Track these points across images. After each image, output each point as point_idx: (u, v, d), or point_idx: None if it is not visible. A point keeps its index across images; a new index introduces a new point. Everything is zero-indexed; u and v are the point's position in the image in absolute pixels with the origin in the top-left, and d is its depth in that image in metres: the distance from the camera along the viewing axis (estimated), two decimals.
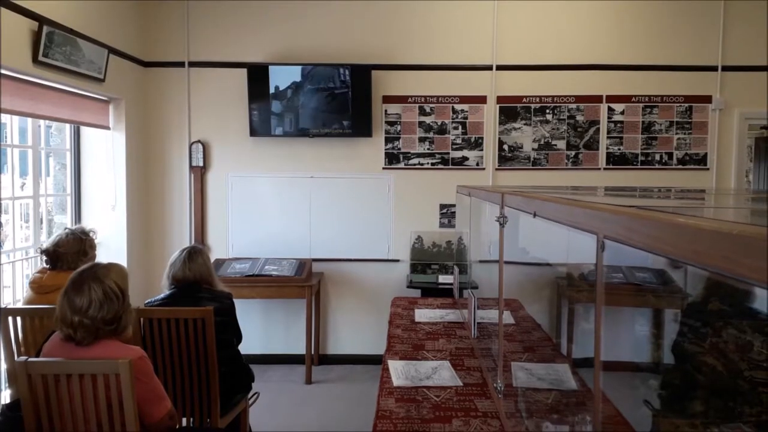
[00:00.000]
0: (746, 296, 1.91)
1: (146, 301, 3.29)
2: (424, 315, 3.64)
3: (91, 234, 3.46)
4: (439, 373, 2.59)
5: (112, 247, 4.86)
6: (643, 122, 5.23)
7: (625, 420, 1.95)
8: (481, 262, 3.53)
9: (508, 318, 3.41)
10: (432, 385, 2.44)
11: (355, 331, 5.44)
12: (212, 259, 5.05)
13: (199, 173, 5.31)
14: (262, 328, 5.41)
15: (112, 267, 2.46)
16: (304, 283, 4.90)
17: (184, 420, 3.15)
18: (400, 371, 2.60)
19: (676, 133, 5.23)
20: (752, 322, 1.77)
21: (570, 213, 1.24)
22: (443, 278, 5.12)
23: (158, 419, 2.41)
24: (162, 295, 3.28)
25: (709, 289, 2.09)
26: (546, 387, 2.34)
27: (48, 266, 3.32)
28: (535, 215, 1.51)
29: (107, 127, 4.89)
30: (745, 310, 1.93)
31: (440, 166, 5.30)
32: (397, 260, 5.38)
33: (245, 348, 3.62)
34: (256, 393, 3.94)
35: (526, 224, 2.36)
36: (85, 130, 4.91)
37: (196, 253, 3.34)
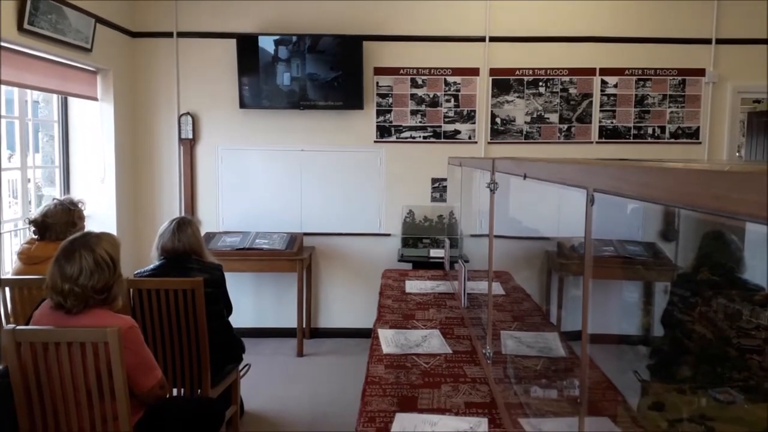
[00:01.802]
0: (736, 266, 1.91)
1: (135, 272, 3.27)
2: (414, 286, 3.64)
3: (79, 205, 3.44)
4: (429, 341, 2.60)
5: (101, 219, 4.82)
6: (636, 95, 5.21)
7: (614, 385, 1.96)
8: (472, 236, 3.53)
9: (498, 289, 3.43)
10: (421, 353, 2.44)
11: (347, 304, 5.45)
12: (203, 233, 5.02)
13: (189, 146, 5.26)
14: (254, 302, 5.41)
15: (103, 236, 2.45)
16: (295, 257, 4.89)
17: (174, 390, 3.15)
18: (389, 339, 2.60)
19: (669, 107, 5.21)
20: (741, 292, 1.77)
21: (560, 170, 1.23)
22: (435, 252, 5.12)
23: (149, 388, 2.42)
24: (151, 266, 3.27)
25: (699, 260, 2.09)
26: (535, 354, 2.35)
27: (36, 237, 3.29)
28: (525, 177, 1.50)
29: (95, 98, 4.83)
30: (735, 280, 1.93)
31: (432, 139, 5.27)
32: (389, 234, 5.37)
33: (237, 321, 3.62)
34: (247, 365, 3.96)
35: (516, 192, 2.35)
36: (72, 102, 4.85)
37: (185, 223, 3.32)
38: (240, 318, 4.21)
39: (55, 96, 4.71)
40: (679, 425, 1.70)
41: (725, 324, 1.76)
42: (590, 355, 2.13)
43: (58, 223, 3.25)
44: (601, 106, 5.23)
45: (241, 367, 3.69)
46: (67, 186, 4.85)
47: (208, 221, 5.27)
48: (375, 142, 5.26)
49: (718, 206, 0.61)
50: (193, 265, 3.24)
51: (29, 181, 4.44)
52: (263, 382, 4.42)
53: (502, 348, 2.42)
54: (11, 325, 2.29)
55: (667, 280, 2.32)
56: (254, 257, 4.86)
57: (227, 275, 3.49)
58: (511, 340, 2.55)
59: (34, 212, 3.38)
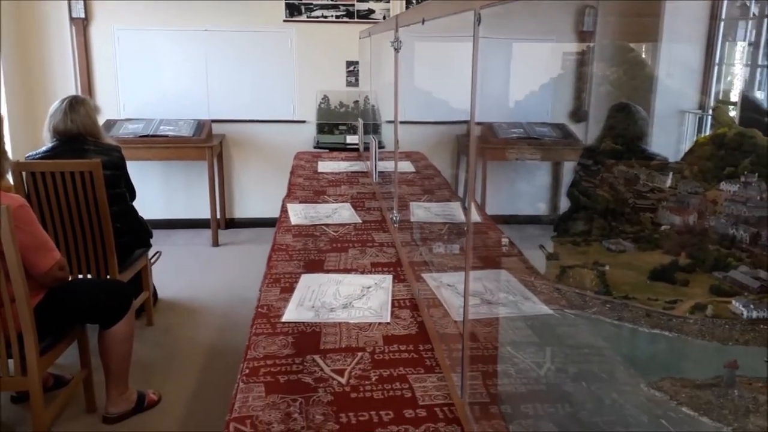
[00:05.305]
0: (639, 137, 1.97)
1: (27, 155, 3.07)
2: (327, 167, 3.61)
3: None
4: (339, 212, 2.60)
5: None
6: None
7: (513, 243, 2.02)
8: (388, 122, 3.50)
9: (410, 167, 3.46)
10: (331, 223, 2.44)
11: (262, 194, 5.36)
12: (103, 120, 4.74)
13: (81, 26, 4.84)
14: (163, 192, 5.23)
15: None
16: (204, 144, 4.72)
17: (80, 276, 3.05)
18: (299, 212, 2.58)
19: None
20: (640, 160, 1.83)
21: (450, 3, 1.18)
22: (351, 139, 5.05)
23: (46, 270, 2.32)
24: (44, 148, 3.06)
25: (604, 131, 2.14)
26: (441, 221, 2.41)
27: None
28: (423, 22, 1.45)
29: None
30: (635, 149, 1.99)
31: (345, 19, 5.06)
32: (303, 121, 5.24)
33: (146, 212, 3.50)
34: (158, 252, 3.88)
35: (422, 56, 2.31)
36: None
37: (78, 103, 3.11)
38: (149, 209, 4.05)
39: None
40: (571, 271, 1.79)
41: (623, 187, 1.83)
42: (490, 216, 2.19)
43: None
44: None
45: (151, 254, 3.61)
46: None
47: (108, 108, 4.96)
48: (284, 21, 5.00)
49: None
50: (89, 146, 3.06)
51: None
52: (177, 270, 4.35)
53: (411, 216, 2.46)
54: None
55: (576, 160, 2.39)
56: (159, 145, 4.66)
57: (131, 164, 3.34)
58: (420, 210, 2.60)
59: None
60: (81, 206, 2.90)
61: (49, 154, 3.00)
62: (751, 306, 1.17)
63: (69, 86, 4.93)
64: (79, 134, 3.06)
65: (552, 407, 1.17)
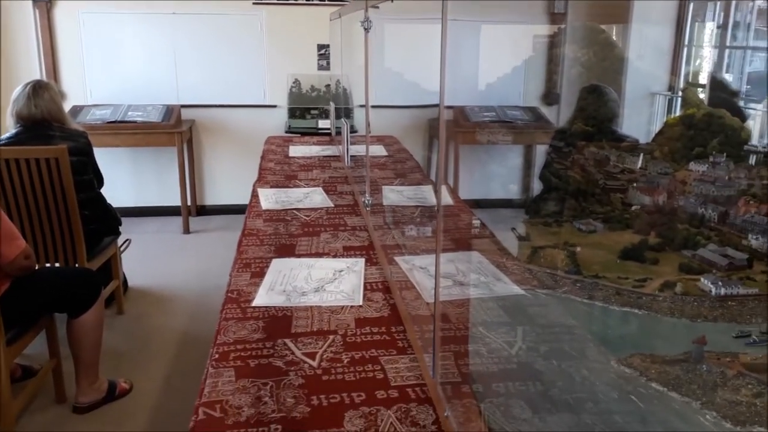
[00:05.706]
0: (610, 120, 1.97)
1: None
2: (299, 151, 3.57)
3: None
4: (311, 197, 2.58)
5: None
6: None
7: (484, 224, 2.02)
8: (360, 106, 3.48)
9: (382, 151, 3.44)
10: (302, 207, 2.42)
11: (234, 181, 5.28)
12: (69, 106, 4.64)
13: (45, 9, 4.70)
14: (132, 179, 5.14)
15: None
16: (173, 130, 4.63)
17: (48, 265, 2.99)
18: (270, 197, 2.55)
19: None
20: (610, 141, 1.84)
21: None
22: (323, 123, 5.01)
23: (12, 258, 2.27)
24: (8, 135, 2.98)
25: (575, 113, 2.14)
26: (413, 204, 2.40)
27: None
28: None
29: None
30: (605, 130, 2.00)
31: (316, 1, 5.00)
32: (275, 106, 5.17)
33: (115, 200, 3.43)
34: (127, 240, 3.82)
35: (392, 38, 2.28)
36: None
37: (41, 88, 3.02)
38: (118, 196, 3.97)
39: None
40: (543, 251, 1.80)
41: (594, 168, 1.84)
42: (462, 200, 2.17)
43: None
44: None
45: (120, 242, 3.55)
46: None
47: (75, 93, 4.85)
48: (254, 4, 4.92)
49: None
50: (54, 132, 2.98)
51: None
52: (148, 258, 4.29)
53: (384, 200, 2.45)
54: None
55: (548, 143, 2.39)
56: (128, 131, 4.56)
57: (99, 151, 3.26)
58: (393, 194, 2.59)
59: None
60: (47, 193, 2.83)
61: (14, 141, 2.92)
62: (720, 283, 1.18)
63: (33, 71, 4.80)
64: (43, 120, 2.98)
65: (523, 385, 1.17)
